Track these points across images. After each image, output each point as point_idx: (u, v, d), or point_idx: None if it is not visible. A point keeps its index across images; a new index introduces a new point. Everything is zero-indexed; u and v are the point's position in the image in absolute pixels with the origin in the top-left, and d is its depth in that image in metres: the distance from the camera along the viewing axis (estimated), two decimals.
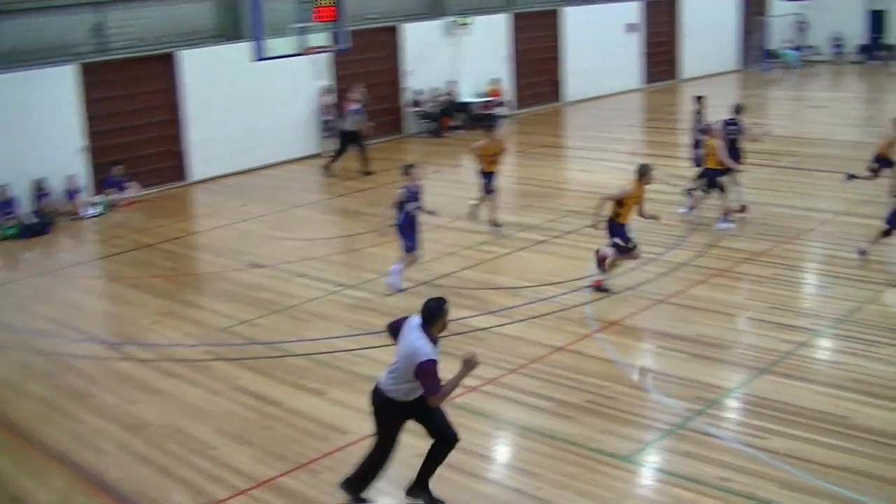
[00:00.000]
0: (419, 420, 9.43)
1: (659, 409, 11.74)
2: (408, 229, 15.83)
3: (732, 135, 19.87)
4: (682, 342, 13.82)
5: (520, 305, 15.26)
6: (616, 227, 15.56)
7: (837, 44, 47.03)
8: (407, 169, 15.97)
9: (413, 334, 9.08)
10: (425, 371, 8.87)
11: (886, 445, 10.67)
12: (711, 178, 19.17)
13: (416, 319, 9.19)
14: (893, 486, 9.89)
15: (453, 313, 14.69)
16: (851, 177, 20.36)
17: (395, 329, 9.46)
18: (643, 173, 15.47)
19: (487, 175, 19.57)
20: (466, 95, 32.71)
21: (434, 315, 9.12)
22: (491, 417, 11.76)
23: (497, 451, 11.33)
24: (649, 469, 10.62)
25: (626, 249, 15.62)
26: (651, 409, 11.80)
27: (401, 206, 15.69)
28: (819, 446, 10.69)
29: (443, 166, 26.46)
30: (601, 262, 15.77)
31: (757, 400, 11.96)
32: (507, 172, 22.80)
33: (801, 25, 46.98)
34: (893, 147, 20.11)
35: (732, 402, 12.10)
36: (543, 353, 13.51)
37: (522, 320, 14.62)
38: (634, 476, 10.48)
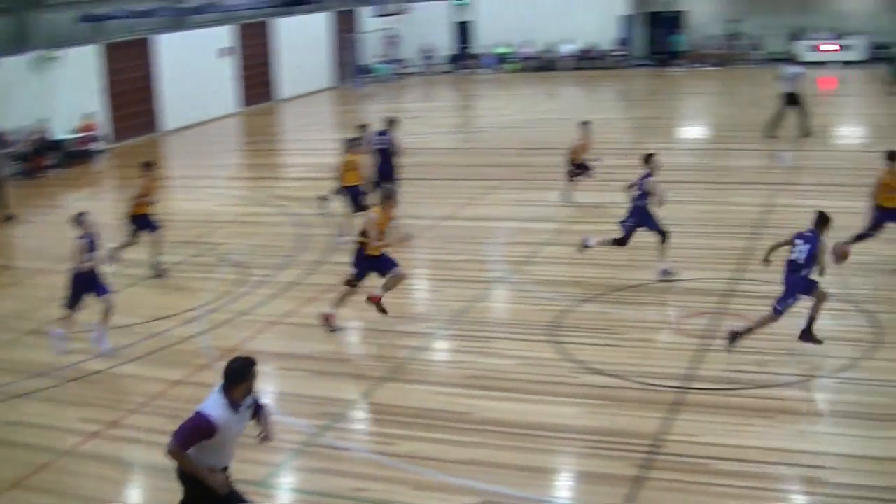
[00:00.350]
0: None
1: (286, 429, 11.67)
2: (93, 277, 14.72)
3: (383, 146, 20.14)
4: (301, 360, 13.93)
5: (133, 343, 14.78)
6: (361, 258, 14.62)
7: (428, 55, 49.11)
8: (79, 217, 14.78)
9: (207, 398, 8.08)
10: (186, 421, 7.90)
11: (506, 434, 11.25)
12: (355, 196, 18.87)
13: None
14: (518, 470, 10.43)
15: (66, 359, 14.18)
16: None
17: None
18: (387, 196, 14.69)
19: (140, 218, 18.27)
20: (60, 132, 31.26)
21: (237, 377, 7.97)
22: (118, 462, 11.24)
23: (130, 495, 10.85)
24: (284, 491, 10.65)
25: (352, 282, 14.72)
26: (279, 431, 11.73)
27: (83, 255, 14.52)
28: (445, 444, 11.10)
29: (42, 207, 25.34)
30: (371, 300, 14.72)
31: (381, 408, 12.29)
32: (106, 209, 22.27)
33: (392, 39, 48.71)
34: (583, 151, 21.25)
35: (358, 414, 12.36)
36: (163, 388, 13.11)
37: (138, 358, 14.18)
38: (270, 500, 10.40)
